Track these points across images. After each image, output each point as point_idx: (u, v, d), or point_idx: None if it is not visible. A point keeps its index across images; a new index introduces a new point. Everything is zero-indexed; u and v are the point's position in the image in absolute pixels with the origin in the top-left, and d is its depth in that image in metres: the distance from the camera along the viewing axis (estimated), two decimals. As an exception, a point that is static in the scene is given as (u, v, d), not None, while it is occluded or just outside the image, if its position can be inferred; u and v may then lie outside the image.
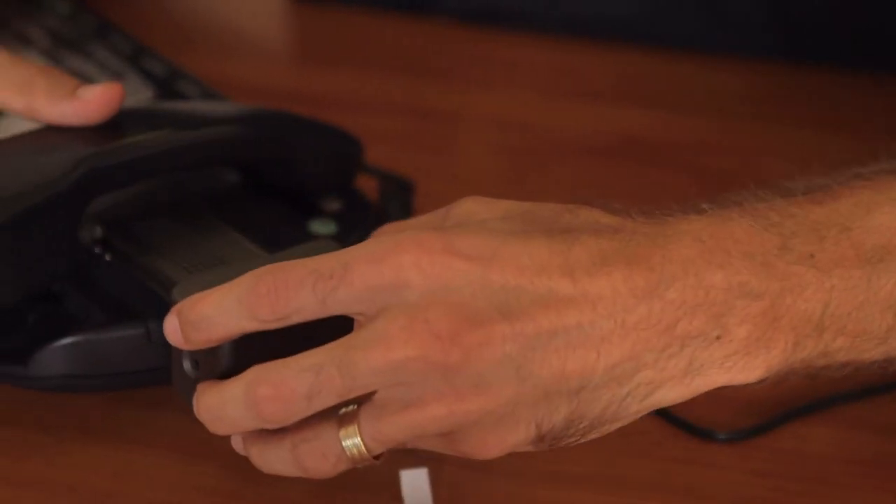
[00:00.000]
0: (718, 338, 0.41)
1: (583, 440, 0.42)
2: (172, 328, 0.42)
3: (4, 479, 0.48)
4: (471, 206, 0.43)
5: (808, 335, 0.41)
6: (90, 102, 0.49)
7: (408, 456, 0.49)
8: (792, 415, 0.51)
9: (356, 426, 0.41)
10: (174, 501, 0.47)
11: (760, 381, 0.42)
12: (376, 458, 0.42)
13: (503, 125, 0.67)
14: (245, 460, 0.48)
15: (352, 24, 0.71)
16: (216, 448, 0.49)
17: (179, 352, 0.46)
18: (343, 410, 0.41)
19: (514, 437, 0.41)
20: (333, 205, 0.54)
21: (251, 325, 0.41)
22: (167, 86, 0.60)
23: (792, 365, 0.42)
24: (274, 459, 0.42)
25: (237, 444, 0.43)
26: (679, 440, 0.50)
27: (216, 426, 0.42)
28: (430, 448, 0.42)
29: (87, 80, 0.59)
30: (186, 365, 0.45)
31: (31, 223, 0.46)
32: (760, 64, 0.69)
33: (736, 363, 0.41)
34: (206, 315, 0.41)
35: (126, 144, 0.49)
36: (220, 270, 0.46)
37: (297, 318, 0.40)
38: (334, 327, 0.41)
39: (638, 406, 0.41)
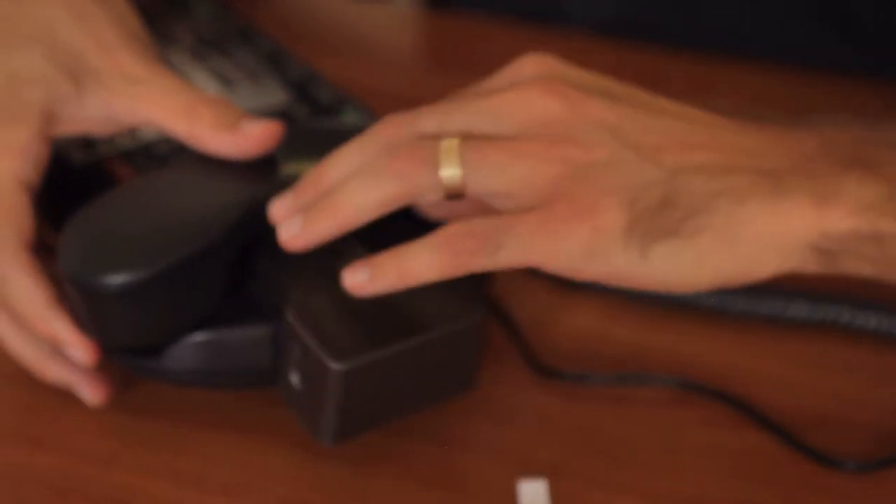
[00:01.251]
0: (809, 175, 0.42)
1: (675, 242, 0.42)
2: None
3: (135, 467, 0.49)
4: None
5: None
6: (250, 138, 0.49)
7: (527, 466, 0.49)
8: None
9: (458, 141, 0.43)
10: (298, 498, 0.48)
11: (845, 220, 0.42)
12: (459, 192, 0.43)
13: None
14: (371, 461, 0.49)
15: (484, 33, 0.71)
16: (342, 448, 0.50)
17: (287, 364, 0.47)
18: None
19: (605, 202, 0.42)
20: None
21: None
22: (303, 90, 0.61)
23: (859, 226, 0.42)
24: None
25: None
26: (806, 467, 0.49)
27: None
28: (517, 224, 0.43)
29: (226, 80, 0.60)
30: (294, 378, 0.46)
31: (180, 274, 0.46)
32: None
33: (825, 195, 0.42)
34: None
35: (279, 190, 0.48)
36: (334, 286, 0.46)
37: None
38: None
39: (728, 211, 0.42)
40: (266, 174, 0.49)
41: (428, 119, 0.45)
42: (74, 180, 0.55)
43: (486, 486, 0.48)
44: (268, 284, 0.48)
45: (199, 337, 0.48)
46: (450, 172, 0.43)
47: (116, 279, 0.46)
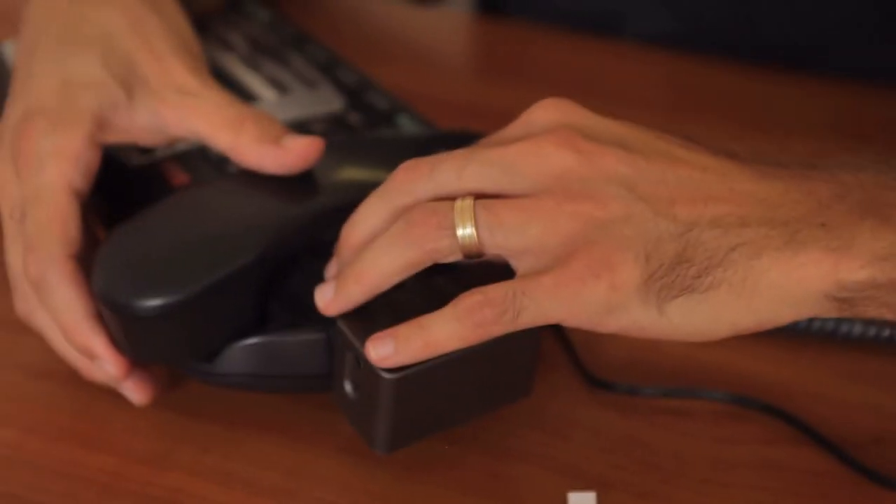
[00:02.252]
0: (823, 225, 0.42)
1: (692, 298, 0.42)
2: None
3: (184, 468, 0.49)
4: None
5: None
6: (292, 153, 0.49)
7: (577, 478, 0.49)
8: None
9: (472, 201, 0.44)
10: (346, 503, 0.48)
11: (861, 271, 0.42)
12: (477, 252, 0.44)
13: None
14: (421, 468, 0.49)
15: (538, 42, 0.71)
16: (390, 454, 0.50)
17: (340, 373, 0.47)
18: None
19: (622, 258, 0.42)
20: None
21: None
22: (357, 96, 0.61)
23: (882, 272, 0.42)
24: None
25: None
26: (861, 486, 0.49)
27: None
28: (537, 269, 0.43)
29: (281, 87, 0.61)
30: (347, 387, 0.46)
31: (213, 296, 0.46)
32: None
33: (840, 246, 0.42)
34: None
35: (312, 216, 0.48)
36: (385, 294, 0.46)
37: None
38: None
39: (744, 265, 0.42)
40: (305, 191, 0.49)
41: (444, 170, 0.45)
42: (130, 182, 0.55)
43: (535, 496, 0.48)
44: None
45: (251, 341, 0.48)
46: (465, 234, 0.44)
47: (149, 303, 0.46)
